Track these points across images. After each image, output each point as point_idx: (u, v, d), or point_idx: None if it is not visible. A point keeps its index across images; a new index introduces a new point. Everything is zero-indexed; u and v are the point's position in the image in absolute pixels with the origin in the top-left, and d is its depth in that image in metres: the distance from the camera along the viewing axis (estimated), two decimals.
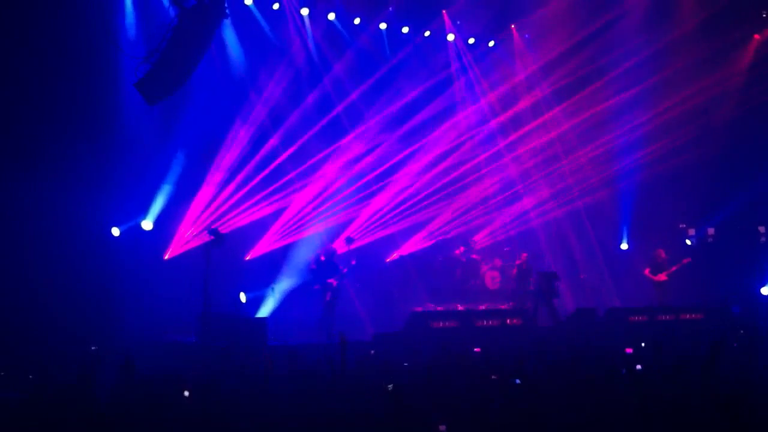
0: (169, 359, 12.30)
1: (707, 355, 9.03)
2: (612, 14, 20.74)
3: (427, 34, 21.22)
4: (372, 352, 11.08)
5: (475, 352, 12.56)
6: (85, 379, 8.85)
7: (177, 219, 17.78)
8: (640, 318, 17.13)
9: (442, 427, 7.62)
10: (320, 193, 19.88)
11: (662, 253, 19.53)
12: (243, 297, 16.92)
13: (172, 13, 15.03)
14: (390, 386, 9.07)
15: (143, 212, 17.33)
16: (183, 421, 7.94)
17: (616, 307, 17.72)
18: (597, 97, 21.78)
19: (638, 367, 10.33)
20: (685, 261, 19.33)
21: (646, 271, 19.29)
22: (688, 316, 17.47)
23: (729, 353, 11.85)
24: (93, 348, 12.88)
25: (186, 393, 8.69)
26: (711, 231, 23.77)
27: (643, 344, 12.86)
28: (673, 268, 19.23)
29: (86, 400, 8.33)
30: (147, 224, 17.30)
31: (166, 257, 17.53)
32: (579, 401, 8.15)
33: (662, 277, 19.24)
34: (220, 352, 12.62)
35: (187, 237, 17.72)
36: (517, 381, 9.05)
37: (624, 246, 22.73)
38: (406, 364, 11.12)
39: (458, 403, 8.41)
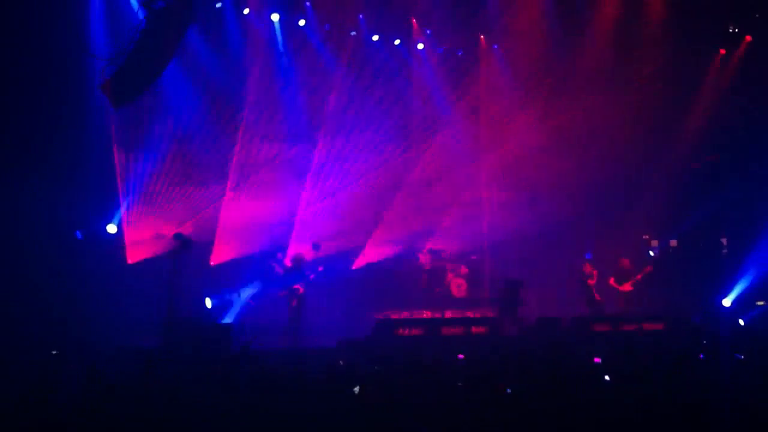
0: (132, 364, 12.12)
1: (671, 368, 9.14)
2: (581, 27, 20.96)
3: (396, 42, 21.26)
4: (341, 362, 10.99)
5: (457, 359, 12.56)
6: (45, 383, 8.71)
7: (142, 223, 17.59)
8: (604, 327, 17.24)
9: None
10: (288, 199, 19.81)
11: (626, 263, 19.71)
12: (209, 302, 16.79)
13: (140, 15, 14.93)
14: (356, 389, 9.06)
15: (108, 215, 17.12)
16: (146, 426, 7.86)
17: (579, 315, 17.81)
18: (565, 108, 21.94)
19: (606, 378, 10.41)
20: (647, 269, 19.54)
21: (611, 281, 19.44)
22: (650, 326, 17.60)
23: (691, 363, 11.97)
24: (54, 352, 12.67)
25: None
26: (673, 242, 24.03)
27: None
28: (638, 277, 19.42)
29: (47, 405, 8.20)
30: (111, 228, 17.09)
31: (131, 261, 17.33)
32: (548, 409, 8.19)
33: (627, 286, 19.43)
34: (184, 358, 12.49)
35: (152, 241, 17.53)
36: (509, 390, 9.05)
37: (588, 256, 22.90)
38: (377, 368, 11.10)
39: (425, 409, 8.42)
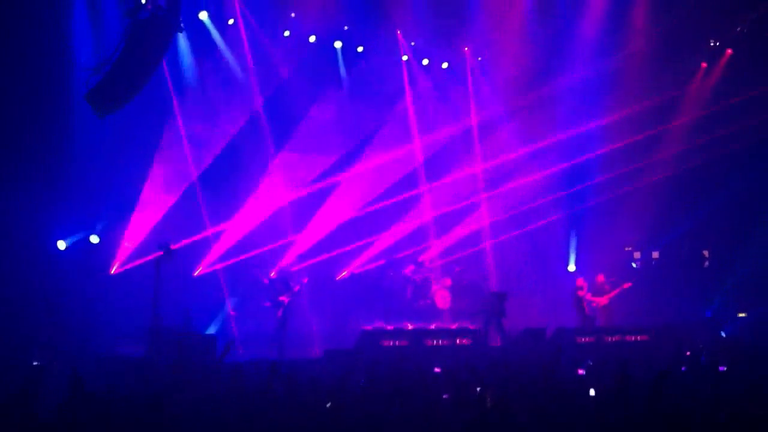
0: (116, 374, 12.04)
1: (654, 383, 9.16)
2: (565, 40, 21.11)
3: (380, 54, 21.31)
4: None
5: (434, 371, 12.53)
6: (26, 395, 8.62)
7: (125, 233, 17.52)
8: (587, 339, 17.31)
9: None
10: (272, 210, 19.79)
11: (601, 278, 19.82)
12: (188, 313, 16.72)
13: (125, 24, 14.88)
14: (328, 405, 9.05)
15: (91, 226, 17.03)
16: None
17: (563, 327, 17.87)
18: (548, 121, 22.08)
19: (591, 392, 10.41)
20: (625, 285, 19.65)
21: (588, 295, 19.51)
22: (633, 337, 17.69)
23: (676, 376, 12.02)
24: (35, 363, 12.56)
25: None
26: (656, 254, 24.18)
27: (590, 362, 12.99)
28: (614, 293, 19.53)
29: (28, 417, 8.12)
30: (94, 238, 16.99)
31: (113, 271, 17.24)
32: (533, 419, 8.20)
33: (603, 300, 19.51)
34: (168, 368, 12.41)
35: (135, 251, 17.45)
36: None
37: (571, 268, 23.01)
38: (361, 382, 11.06)
39: (411, 420, 8.41)
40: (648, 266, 24.10)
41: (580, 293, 19.32)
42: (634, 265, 23.97)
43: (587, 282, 19.58)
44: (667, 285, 22.26)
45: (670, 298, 21.22)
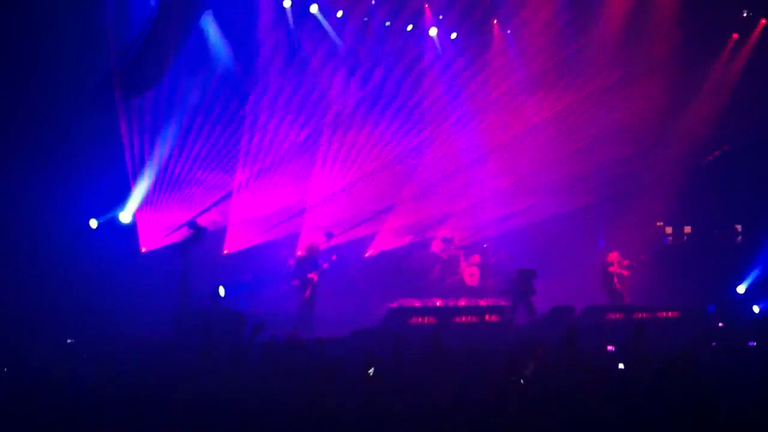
0: (144, 353, 12.18)
1: (679, 360, 9.10)
2: (594, 13, 20.81)
3: (409, 28, 21.15)
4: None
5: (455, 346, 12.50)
6: (60, 372, 8.76)
7: (156, 211, 17.65)
8: (617, 316, 17.21)
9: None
10: (302, 189, 19.83)
11: (615, 255, 19.78)
12: (222, 291, 16.84)
13: (152, 3, 14.91)
14: (371, 371, 9.08)
15: (122, 204, 17.18)
16: (159, 416, 7.90)
17: (592, 305, 17.77)
18: (577, 95, 21.82)
19: (620, 365, 10.38)
20: (643, 257, 19.59)
21: (619, 270, 19.41)
22: (664, 314, 17.56)
23: (705, 352, 11.94)
24: (69, 341, 12.74)
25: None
26: (688, 229, 23.93)
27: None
28: (625, 262, 19.49)
29: (61, 394, 8.25)
30: (125, 216, 17.14)
31: (144, 250, 17.39)
32: (564, 397, 8.17)
33: (611, 269, 19.52)
34: (197, 348, 12.53)
35: (166, 230, 17.57)
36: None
37: (601, 243, 22.84)
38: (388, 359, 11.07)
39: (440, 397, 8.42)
40: (680, 241, 23.88)
41: (611, 269, 19.21)
42: (665, 240, 23.75)
43: (619, 257, 19.49)
44: (699, 260, 22.04)
45: (702, 274, 20.98)
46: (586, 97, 21.69)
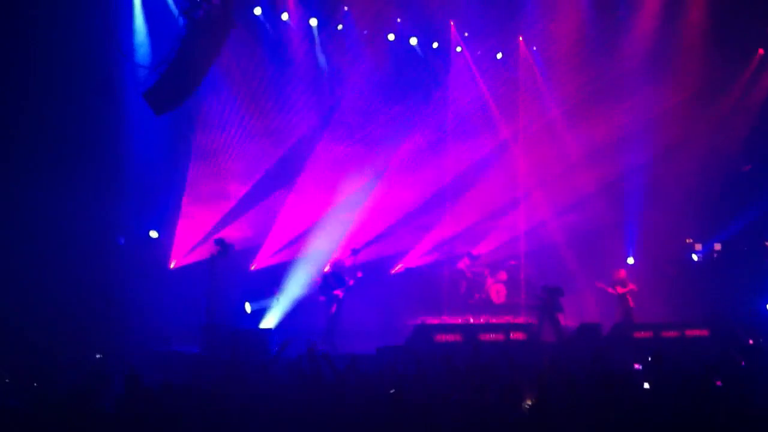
0: (172, 369, 12.30)
1: (705, 376, 9.03)
2: (621, 30, 20.76)
3: (434, 45, 21.23)
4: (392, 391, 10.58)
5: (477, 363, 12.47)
6: (90, 387, 8.84)
7: (184, 228, 17.81)
8: (645, 334, 17.06)
9: None
10: (327, 205, 19.89)
11: (622, 273, 19.46)
12: (248, 307, 16.93)
13: (181, 23, 15.14)
14: (392, 391, 9.08)
15: (151, 221, 17.35)
16: (188, 429, 7.96)
17: (620, 322, 17.63)
18: (605, 111, 21.72)
19: (645, 385, 10.30)
20: (631, 287, 19.29)
21: (631, 286, 19.25)
22: (693, 332, 17.38)
23: (734, 370, 11.80)
24: (98, 356, 12.89)
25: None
26: (718, 246, 23.70)
27: (650, 358, 12.79)
28: (629, 287, 19.16)
29: (91, 409, 8.32)
30: (153, 233, 17.30)
31: (172, 266, 17.55)
32: (588, 416, 8.12)
33: (619, 289, 19.18)
34: (222, 363, 12.61)
35: (193, 247, 17.72)
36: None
37: (630, 261, 22.68)
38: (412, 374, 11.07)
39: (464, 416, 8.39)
40: (709, 258, 23.65)
41: (624, 288, 19.11)
42: (695, 257, 23.52)
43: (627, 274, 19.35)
44: (729, 278, 21.80)
45: (732, 292, 20.76)
46: (614, 110, 21.58)
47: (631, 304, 18.95)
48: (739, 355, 13.56)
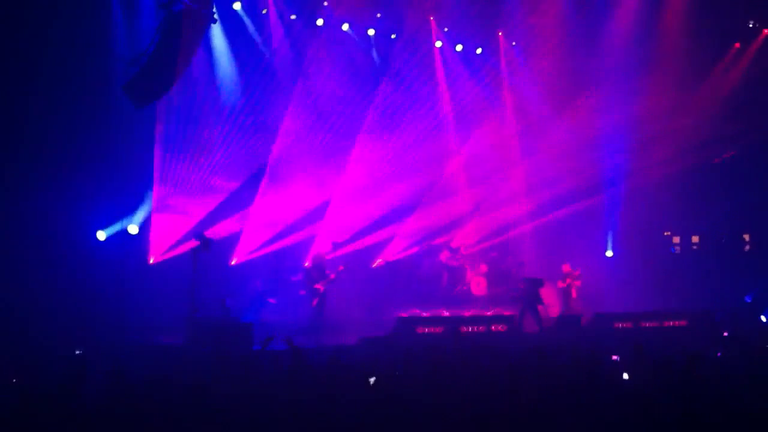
0: (155, 363, 12.25)
1: (685, 366, 9.14)
2: (600, 25, 20.89)
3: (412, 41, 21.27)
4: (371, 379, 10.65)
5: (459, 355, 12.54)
6: (71, 382, 8.81)
7: (164, 223, 17.75)
8: (625, 324, 17.21)
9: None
10: (306, 199, 19.92)
11: (567, 267, 19.87)
12: (227, 302, 16.90)
13: (161, 16, 15.08)
14: (372, 379, 9.13)
15: (129, 216, 17.27)
16: (170, 425, 7.95)
17: (600, 312, 17.77)
18: (584, 106, 21.89)
19: (624, 376, 10.41)
20: (576, 282, 19.75)
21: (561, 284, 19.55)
22: (672, 323, 17.56)
23: (712, 361, 11.94)
24: (78, 352, 12.82)
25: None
26: (696, 239, 23.93)
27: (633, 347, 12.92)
28: (564, 284, 19.67)
29: (72, 404, 8.30)
30: (133, 228, 17.24)
31: (152, 261, 17.49)
32: (568, 406, 8.20)
33: (560, 284, 19.68)
34: (206, 356, 12.59)
35: (174, 242, 17.67)
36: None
37: (609, 253, 22.87)
38: (397, 372, 11.12)
39: (446, 405, 8.45)
40: (688, 251, 23.88)
41: (568, 280, 19.38)
42: (674, 249, 23.75)
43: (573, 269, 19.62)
44: (706, 270, 22.04)
45: (710, 283, 20.98)
46: (593, 102, 21.73)
47: (573, 296, 19.30)
48: (715, 346, 13.74)
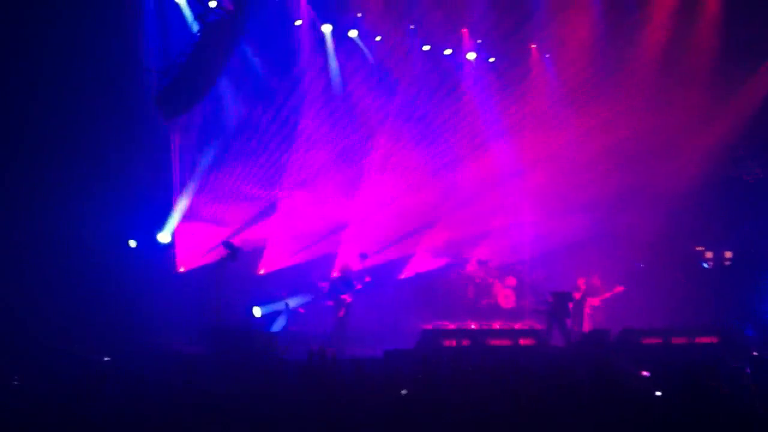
0: (180, 371, 12.33)
1: (699, 381, 9.03)
2: (633, 37, 20.75)
3: (447, 52, 21.28)
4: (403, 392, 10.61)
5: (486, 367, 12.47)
6: (96, 388, 8.91)
7: (193, 232, 17.89)
8: (654, 340, 16.98)
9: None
10: (337, 210, 19.98)
11: (596, 280, 19.78)
12: (257, 311, 16.97)
13: (195, 28, 15.25)
14: (404, 392, 9.12)
15: (161, 225, 17.44)
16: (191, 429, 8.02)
17: (629, 328, 17.55)
18: (615, 118, 21.70)
19: (657, 393, 10.29)
20: (617, 289, 19.57)
21: (577, 295, 19.28)
22: (702, 339, 17.29)
23: (741, 379, 11.76)
24: (106, 359, 12.94)
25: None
26: (729, 254, 23.58)
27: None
28: (607, 295, 19.51)
29: (97, 409, 8.40)
30: (164, 237, 17.39)
31: (181, 270, 17.63)
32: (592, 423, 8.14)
33: (595, 301, 19.53)
34: (231, 365, 12.65)
35: (202, 250, 17.80)
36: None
37: (639, 267, 22.61)
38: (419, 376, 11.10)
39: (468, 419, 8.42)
40: (720, 266, 23.54)
41: (577, 295, 19.16)
42: (705, 265, 23.41)
43: (586, 284, 19.40)
44: (739, 286, 21.70)
45: (741, 300, 20.66)
46: (623, 114, 21.53)
47: (587, 310, 19.09)
48: (745, 364, 13.52)
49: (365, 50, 20.31)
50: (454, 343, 15.89)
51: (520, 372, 11.78)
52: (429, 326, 17.63)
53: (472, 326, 18.77)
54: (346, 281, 17.28)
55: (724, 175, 21.87)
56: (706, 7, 20.55)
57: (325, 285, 17.80)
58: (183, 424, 8.16)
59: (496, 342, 16.36)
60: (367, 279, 17.50)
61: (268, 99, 19.19)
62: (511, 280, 21.08)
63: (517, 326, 18.89)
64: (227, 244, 15.36)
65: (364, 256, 18.30)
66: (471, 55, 21.47)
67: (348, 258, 19.01)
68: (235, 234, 18.03)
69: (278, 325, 17.14)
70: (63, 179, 15.74)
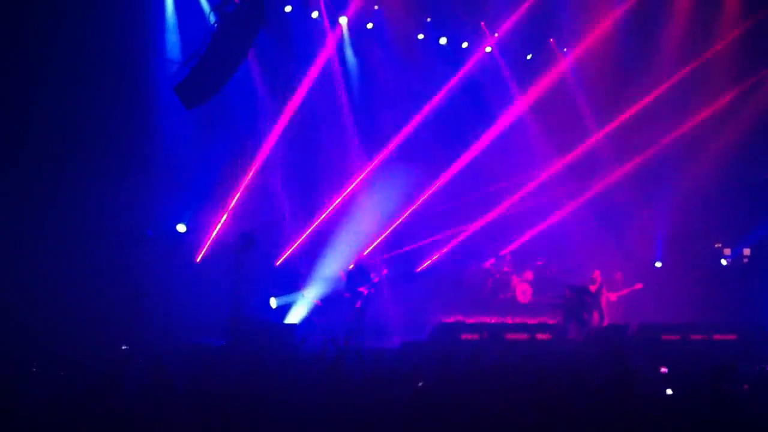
0: (197, 362, 12.37)
1: (713, 380, 8.95)
2: (652, 32, 20.60)
3: (464, 45, 21.22)
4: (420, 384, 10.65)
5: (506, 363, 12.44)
6: (114, 377, 8.94)
7: (211, 222, 17.93)
8: (673, 336, 16.89)
9: None
10: (353, 202, 19.96)
11: (619, 276, 19.86)
12: (273, 302, 16.99)
13: (212, 19, 15.25)
14: (420, 384, 9.10)
15: (179, 215, 17.49)
16: (209, 423, 8.02)
17: (647, 323, 17.47)
18: (636, 114, 21.59)
19: (669, 391, 10.23)
20: (636, 286, 19.56)
21: (593, 288, 19.14)
22: (721, 336, 17.20)
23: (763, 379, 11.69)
24: (124, 347, 13.00)
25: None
26: (747, 251, 23.43)
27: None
28: (624, 291, 19.55)
29: (115, 399, 8.42)
30: (181, 227, 17.44)
31: (198, 259, 17.67)
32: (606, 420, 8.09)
33: (612, 297, 19.56)
34: (248, 356, 12.68)
35: (221, 240, 17.82)
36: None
37: (658, 264, 22.50)
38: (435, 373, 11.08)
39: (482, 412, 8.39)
40: (738, 263, 23.39)
41: (593, 288, 18.99)
42: (723, 262, 23.27)
43: (603, 277, 19.28)
44: (758, 283, 21.56)
45: (760, 298, 20.53)
46: (647, 118, 21.42)
47: (602, 304, 18.99)
48: (765, 362, 13.44)
49: (382, 43, 20.26)
50: (471, 336, 15.89)
51: (537, 367, 11.75)
52: (447, 319, 17.62)
53: (489, 320, 18.74)
54: (363, 274, 17.28)
55: (743, 173, 21.69)
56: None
57: (342, 276, 17.80)
58: (201, 414, 8.18)
59: (513, 336, 16.34)
60: (384, 272, 17.51)
61: (290, 92, 19.17)
62: (529, 275, 21.04)
63: (533, 321, 18.83)
64: (245, 235, 15.38)
65: (382, 249, 18.32)
66: (488, 49, 21.38)
67: (366, 251, 19.00)
68: (253, 224, 18.03)
69: (296, 316, 17.14)
70: (83, 170, 15.79)
